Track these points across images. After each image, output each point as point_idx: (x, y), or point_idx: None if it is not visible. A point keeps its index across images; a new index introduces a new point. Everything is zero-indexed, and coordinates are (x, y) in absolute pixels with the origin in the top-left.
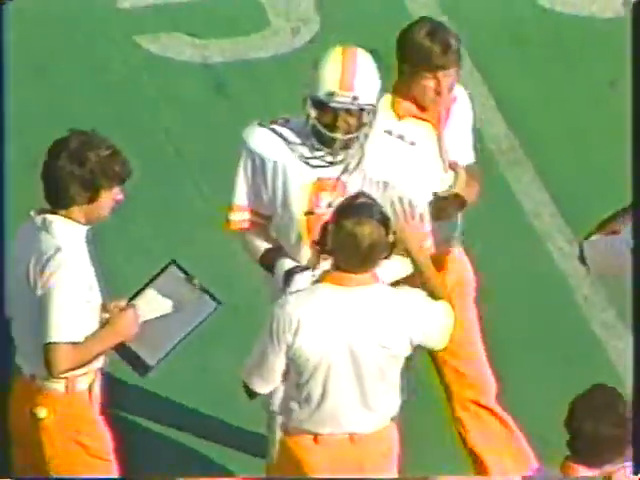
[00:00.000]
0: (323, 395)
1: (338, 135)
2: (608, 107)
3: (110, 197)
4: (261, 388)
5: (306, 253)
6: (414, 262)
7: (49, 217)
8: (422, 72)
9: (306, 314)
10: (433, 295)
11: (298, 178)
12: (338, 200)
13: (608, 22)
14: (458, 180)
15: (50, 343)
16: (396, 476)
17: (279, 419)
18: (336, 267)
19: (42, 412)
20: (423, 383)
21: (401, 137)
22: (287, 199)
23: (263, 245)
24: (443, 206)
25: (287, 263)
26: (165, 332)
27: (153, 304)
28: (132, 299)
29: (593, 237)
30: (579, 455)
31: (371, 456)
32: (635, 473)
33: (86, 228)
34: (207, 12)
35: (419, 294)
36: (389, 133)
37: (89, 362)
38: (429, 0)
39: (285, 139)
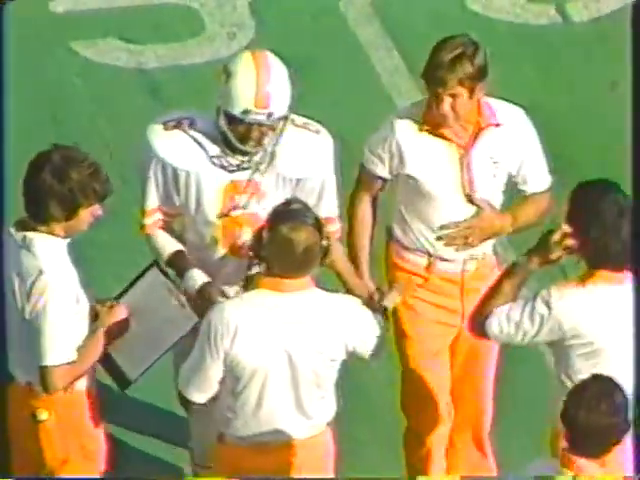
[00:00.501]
0: (259, 402)
1: (250, 147)
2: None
3: (89, 214)
4: (198, 397)
5: (220, 254)
6: (335, 268)
7: (29, 235)
8: (427, 86)
9: (243, 320)
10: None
11: (211, 182)
12: (252, 201)
13: (543, 28)
14: (479, 218)
15: (45, 366)
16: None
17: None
18: (269, 273)
19: (43, 414)
20: (359, 388)
21: (306, 125)
22: (201, 204)
23: (170, 247)
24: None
25: (197, 275)
26: (147, 346)
27: (136, 307)
28: (116, 299)
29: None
30: (576, 446)
31: (308, 461)
32: (635, 473)
33: (66, 241)
34: (142, 18)
35: (354, 300)
36: (292, 123)
37: (87, 371)
38: (364, 5)
39: (195, 143)
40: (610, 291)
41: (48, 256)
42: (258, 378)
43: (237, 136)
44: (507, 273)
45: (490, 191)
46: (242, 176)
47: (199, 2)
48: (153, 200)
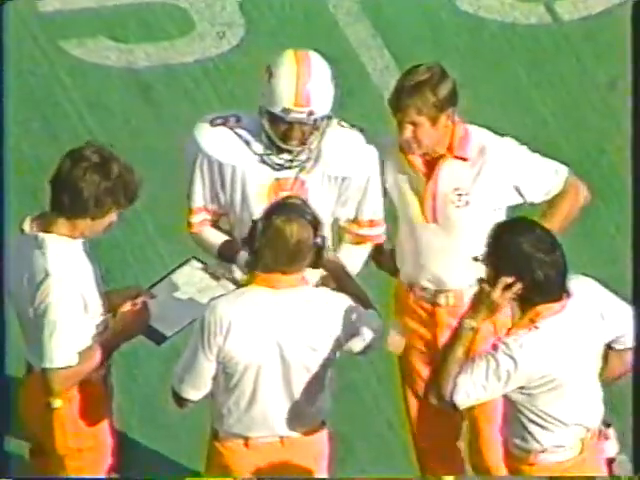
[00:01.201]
0: (252, 398)
1: (292, 145)
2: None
3: (112, 217)
4: (192, 395)
5: None
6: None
7: (41, 235)
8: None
9: (236, 317)
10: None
11: (256, 179)
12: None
13: (532, 27)
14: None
15: (45, 369)
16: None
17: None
18: (264, 268)
19: (57, 402)
20: (351, 385)
21: (352, 125)
22: (246, 200)
23: (218, 238)
24: None
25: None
26: (182, 309)
27: (172, 290)
28: (151, 288)
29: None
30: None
31: (302, 460)
32: (635, 472)
33: (79, 241)
34: (132, 17)
35: (347, 298)
36: (338, 122)
37: (90, 373)
38: (353, 5)
39: (241, 140)
40: (556, 321)
41: (58, 259)
42: (251, 375)
43: (279, 135)
44: (455, 337)
45: (456, 221)
46: (288, 174)
47: (188, 1)
48: (199, 198)
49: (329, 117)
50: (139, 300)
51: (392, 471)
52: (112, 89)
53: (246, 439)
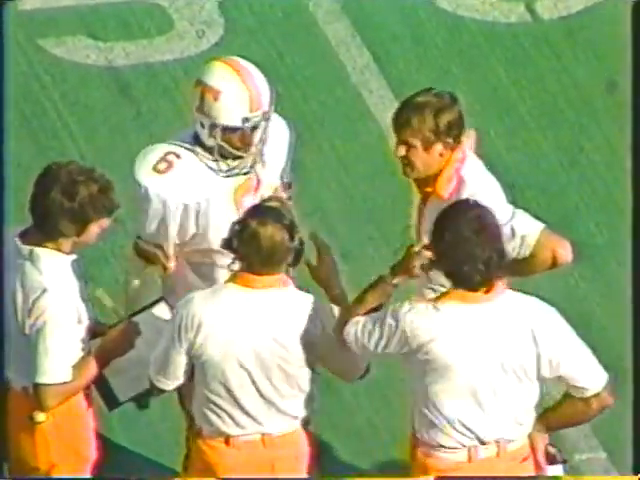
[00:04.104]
0: (229, 396)
1: (249, 152)
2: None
3: (98, 227)
4: (164, 385)
5: None
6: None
7: (36, 250)
8: None
9: (209, 313)
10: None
11: (222, 198)
12: (257, 198)
13: (512, 26)
14: None
15: (39, 384)
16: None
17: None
18: (241, 269)
19: (40, 416)
20: (331, 384)
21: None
22: (219, 221)
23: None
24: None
25: None
26: (144, 371)
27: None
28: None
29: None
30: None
31: (283, 458)
32: (635, 473)
33: (72, 257)
34: (111, 15)
35: (330, 305)
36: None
37: (82, 389)
38: (333, 4)
39: (193, 173)
40: (462, 310)
41: (53, 274)
42: (225, 372)
43: (235, 145)
44: (372, 285)
45: None
46: (243, 178)
47: (168, 0)
48: (173, 243)
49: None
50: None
51: (372, 470)
52: (91, 87)
53: (227, 437)
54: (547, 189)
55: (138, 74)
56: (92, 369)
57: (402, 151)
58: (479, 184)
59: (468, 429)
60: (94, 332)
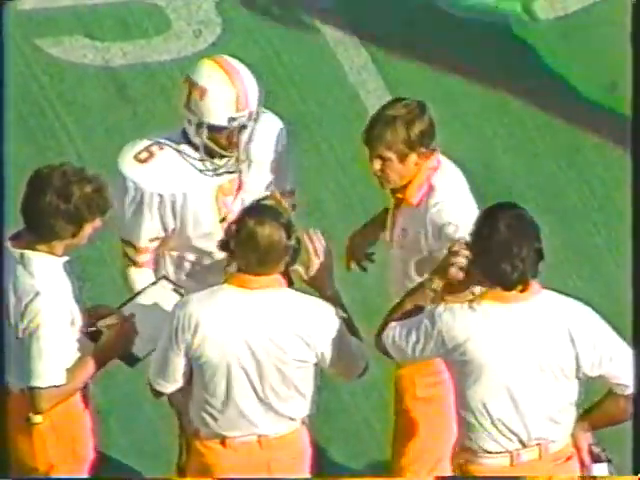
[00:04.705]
0: (226, 397)
1: (234, 152)
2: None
3: (91, 228)
4: (163, 387)
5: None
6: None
7: (27, 253)
8: None
9: (206, 315)
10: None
11: (202, 195)
12: (238, 199)
13: (509, 26)
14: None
15: (33, 388)
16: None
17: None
18: (238, 269)
19: (37, 418)
20: (328, 383)
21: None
22: (197, 217)
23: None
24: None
25: None
26: (154, 330)
27: (143, 310)
28: (121, 307)
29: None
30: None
31: (281, 459)
32: (635, 473)
33: (64, 259)
34: (108, 15)
35: (328, 306)
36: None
37: (77, 391)
38: (330, 4)
39: (174, 166)
40: (498, 310)
41: (45, 277)
42: (222, 373)
43: (221, 144)
44: (411, 291)
45: (402, 257)
46: (226, 178)
47: (165, 0)
48: (146, 236)
49: (257, 111)
50: (124, 318)
51: (369, 470)
52: (89, 87)
53: (223, 439)
54: (545, 189)
55: (135, 74)
56: (88, 371)
57: (377, 165)
58: (448, 193)
59: (510, 430)
60: (100, 315)
